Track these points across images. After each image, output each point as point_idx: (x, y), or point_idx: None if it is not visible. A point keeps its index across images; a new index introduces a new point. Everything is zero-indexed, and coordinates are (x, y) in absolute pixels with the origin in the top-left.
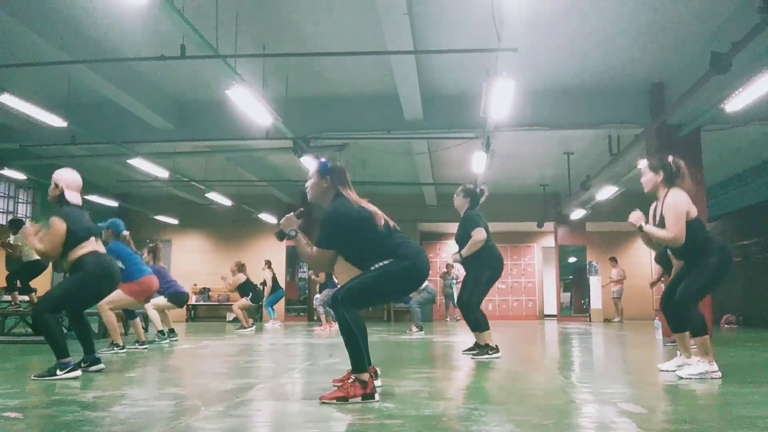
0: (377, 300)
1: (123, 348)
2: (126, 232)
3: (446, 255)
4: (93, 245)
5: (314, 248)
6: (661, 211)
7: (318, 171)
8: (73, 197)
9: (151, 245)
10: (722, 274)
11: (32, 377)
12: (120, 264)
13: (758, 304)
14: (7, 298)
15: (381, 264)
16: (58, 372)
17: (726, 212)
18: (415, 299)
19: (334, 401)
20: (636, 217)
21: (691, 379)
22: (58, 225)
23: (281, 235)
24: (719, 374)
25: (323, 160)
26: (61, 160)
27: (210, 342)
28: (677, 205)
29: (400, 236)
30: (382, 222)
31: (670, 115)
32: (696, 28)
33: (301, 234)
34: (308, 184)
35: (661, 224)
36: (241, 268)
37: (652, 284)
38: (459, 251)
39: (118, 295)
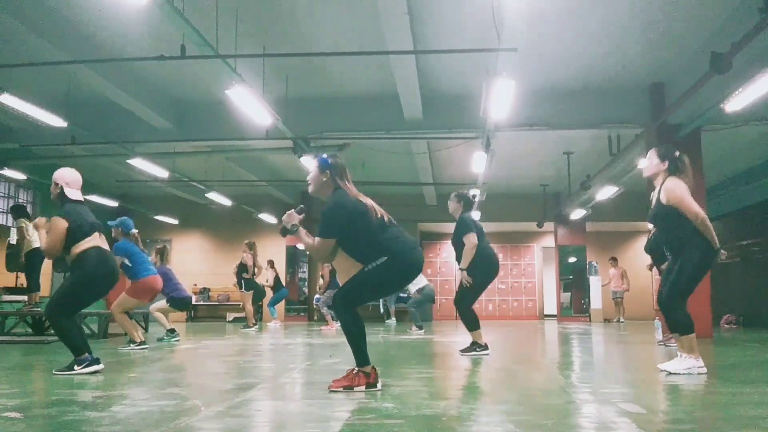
0: (374, 296)
1: (140, 344)
2: (135, 231)
3: (446, 255)
4: (96, 240)
5: (315, 239)
6: (658, 196)
7: (318, 166)
8: (74, 194)
9: (158, 247)
10: (704, 269)
11: (53, 372)
12: (127, 262)
13: (758, 304)
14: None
15: (375, 264)
16: (76, 367)
17: (726, 212)
18: (412, 300)
19: (341, 389)
20: None
21: (678, 374)
22: (59, 223)
23: (284, 231)
24: (705, 369)
25: (324, 155)
26: (61, 160)
27: (210, 342)
28: (677, 189)
29: (395, 230)
30: (377, 217)
31: (670, 115)
32: (696, 28)
33: (302, 228)
34: (309, 178)
35: (657, 209)
36: (251, 246)
37: (650, 267)
38: (459, 266)
39: (124, 298)
